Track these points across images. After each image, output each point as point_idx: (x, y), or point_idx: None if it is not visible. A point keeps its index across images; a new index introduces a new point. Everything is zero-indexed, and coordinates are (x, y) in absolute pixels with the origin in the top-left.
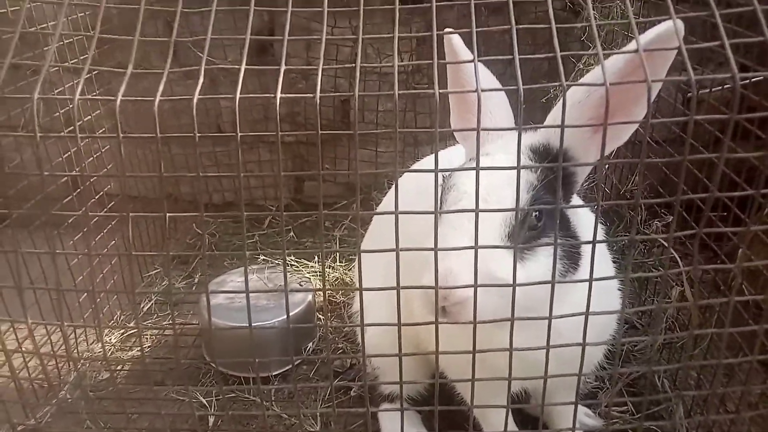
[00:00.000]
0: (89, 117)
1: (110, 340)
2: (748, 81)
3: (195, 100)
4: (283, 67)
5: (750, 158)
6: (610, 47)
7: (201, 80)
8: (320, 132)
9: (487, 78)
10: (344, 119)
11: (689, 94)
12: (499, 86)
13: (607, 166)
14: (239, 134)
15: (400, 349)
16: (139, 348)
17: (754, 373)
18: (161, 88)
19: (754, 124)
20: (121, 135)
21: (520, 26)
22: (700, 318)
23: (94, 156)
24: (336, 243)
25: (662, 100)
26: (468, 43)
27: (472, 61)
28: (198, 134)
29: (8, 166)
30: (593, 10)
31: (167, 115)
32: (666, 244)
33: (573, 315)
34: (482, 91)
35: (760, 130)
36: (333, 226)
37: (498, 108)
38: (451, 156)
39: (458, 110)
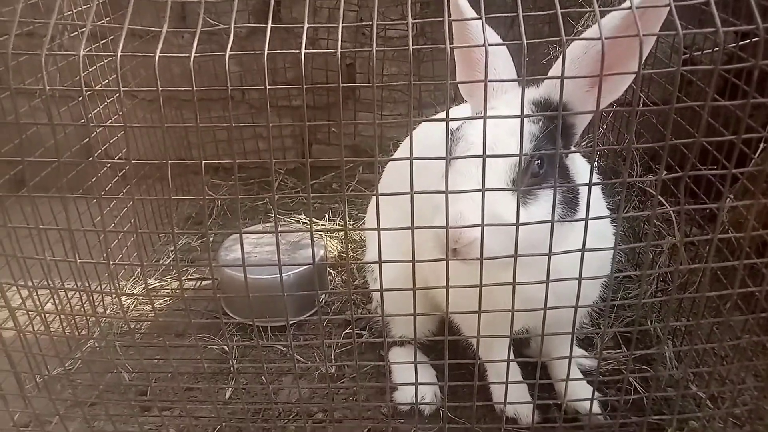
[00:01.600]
0: (102, 84)
1: (135, 291)
2: (735, 43)
3: (192, 58)
4: (306, 26)
5: (737, 112)
6: (609, 5)
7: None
8: (341, 85)
9: (492, 36)
10: (349, 82)
11: (685, 55)
12: (504, 46)
13: (605, 125)
14: (267, 88)
15: (414, 284)
16: (159, 302)
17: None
18: (160, 44)
19: (742, 79)
20: (122, 89)
21: None
22: (689, 263)
23: (109, 122)
24: (345, 203)
25: (659, 62)
26: (473, 4)
27: (479, 18)
28: (196, 88)
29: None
30: None
31: (179, 81)
32: (654, 192)
33: (570, 252)
34: (489, 45)
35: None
36: (340, 188)
37: (502, 66)
38: (458, 114)
39: (464, 68)
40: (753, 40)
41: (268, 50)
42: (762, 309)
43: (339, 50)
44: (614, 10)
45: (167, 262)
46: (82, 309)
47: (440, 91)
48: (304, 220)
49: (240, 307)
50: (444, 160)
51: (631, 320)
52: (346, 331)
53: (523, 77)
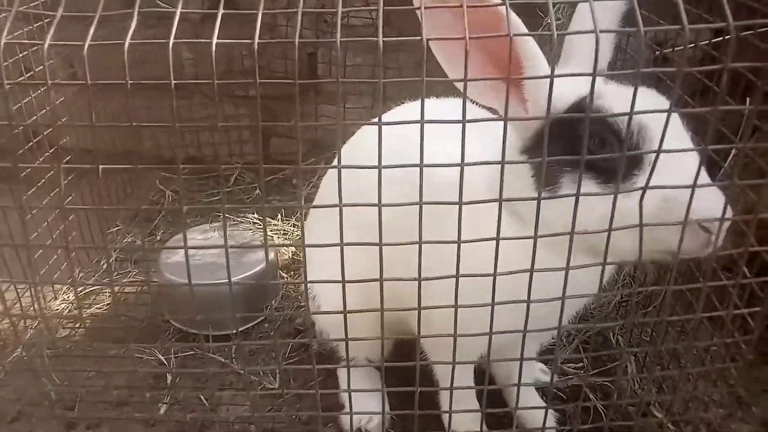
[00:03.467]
0: (42, 66)
1: (68, 297)
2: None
3: (171, 44)
4: (261, 12)
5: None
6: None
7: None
8: (298, 81)
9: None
10: (311, 73)
11: (657, 53)
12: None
13: None
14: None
15: (344, 306)
16: (98, 306)
17: (703, 330)
18: (131, 32)
19: (714, 79)
20: (90, 82)
21: None
22: (654, 276)
23: (48, 108)
24: (302, 200)
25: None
26: None
27: (503, 3)
28: (174, 81)
29: None
30: None
31: (130, 68)
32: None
33: (519, 272)
34: (514, 35)
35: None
36: (301, 183)
37: None
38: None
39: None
40: (725, 37)
41: (218, 39)
42: (728, 332)
43: (297, 39)
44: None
45: (112, 262)
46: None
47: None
48: (256, 220)
49: (182, 313)
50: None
51: (592, 335)
52: (294, 341)
53: (552, 74)
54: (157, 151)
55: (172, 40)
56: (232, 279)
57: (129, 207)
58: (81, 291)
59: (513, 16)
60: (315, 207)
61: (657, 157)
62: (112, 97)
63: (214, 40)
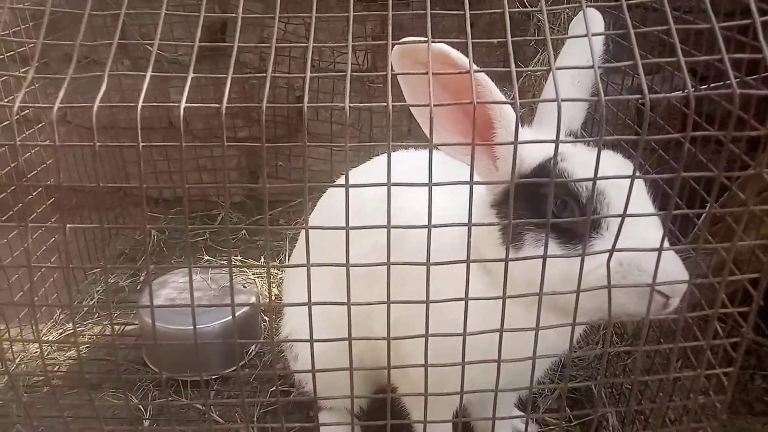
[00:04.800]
0: (32, 108)
1: (47, 338)
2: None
3: (139, 107)
4: (230, 76)
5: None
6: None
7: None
8: (265, 144)
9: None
10: (299, 115)
11: (640, 101)
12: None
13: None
14: (183, 144)
15: (313, 366)
16: (75, 349)
17: (679, 388)
18: (100, 94)
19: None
20: (97, 144)
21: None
22: (633, 328)
23: (32, 151)
24: (287, 242)
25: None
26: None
27: (468, 72)
28: (184, 144)
29: None
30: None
31: (117, 109)
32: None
33: (488, 331)
34: (477, 102)
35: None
36: (287, 223)
37: None
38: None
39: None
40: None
41: (192, 90)
42: (704, 390)
43: (264, 104)
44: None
45: (94, 303)
46: None
47: (394, 126)
48: (238, 262)
49: (160, 358)
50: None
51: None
52: (273, 389)
53: (516, 101)
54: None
55: (140, 104)
56: (214, 323)
57: (95, 267)
58: (46, 344)
59: (484, 80)
60: (285, 267)
61: (622, 222)
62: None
63: (183, 104)
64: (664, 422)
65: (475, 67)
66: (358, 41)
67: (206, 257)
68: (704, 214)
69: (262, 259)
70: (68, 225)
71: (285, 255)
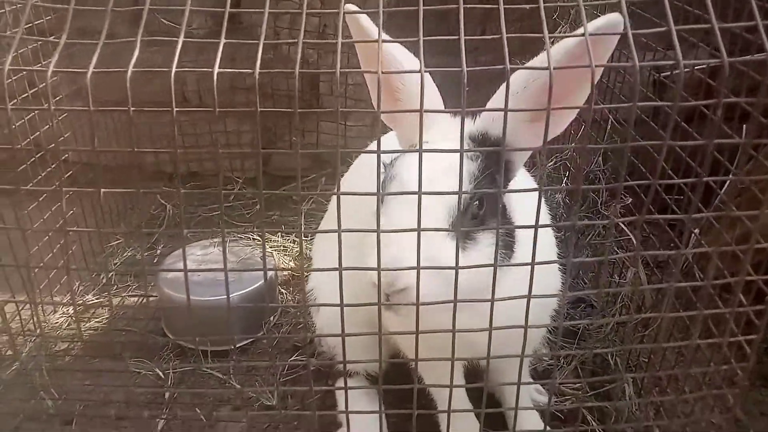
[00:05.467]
0: (50, 81)
1: (68, 311)
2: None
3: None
4: (262, 43)
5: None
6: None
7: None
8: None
9: (408, 58)
10: (313, 90)
11: (656, 77)
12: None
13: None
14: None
15: (342, 330)
16: (97, 320)
17: (701, 354)
18: (94, 60)
19: (710, 108)
20: (131, 108)
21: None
22: (652, 300)
23: (53, 122)
24: (302, 217)
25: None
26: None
27: (416, 39)
28: (219, 109)
29: None
30: None
31: (135, 83)
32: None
33: (514, 298)
34: (425, 70)
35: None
36: (300, 199)
37: (429, 95)
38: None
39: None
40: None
41: (222, 61)
42: (725, 358)
43: (297, 69)
44: (564, 36)
45: (112, 276)
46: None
47: None
48: (254, 236)
49: (180, 328)
50: (377, 199)
51: (586, 359)
52: (293, 358)
53: (463, 108)
54: (158, 166)
55: (174, 69)
56: (234, 294)
57: (124, 231)
58: (80, 306)
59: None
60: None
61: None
62: (114, 113)
63: (216, 70)
64: (683, 392)
65: (385, 36)
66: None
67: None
68: (727, 183)
69: (279, 233)
70: (103, 189)
71: (300, 229)
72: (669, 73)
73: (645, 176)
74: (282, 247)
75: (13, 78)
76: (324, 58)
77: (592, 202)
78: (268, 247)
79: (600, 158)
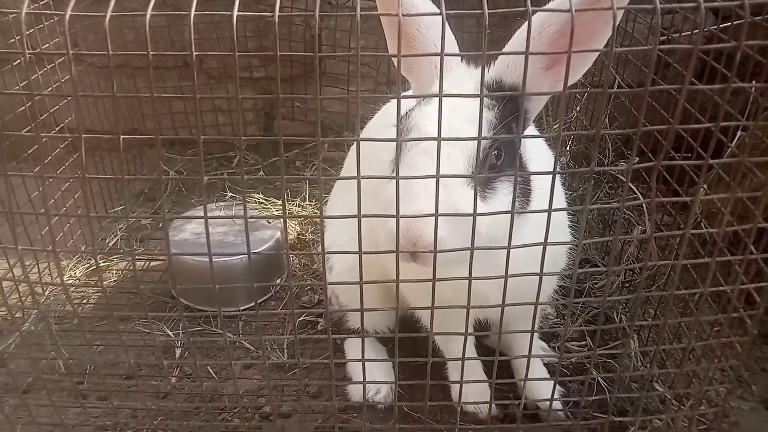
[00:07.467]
0: (47, 45)
1: (75, 273)
2: (715, 25)
3: (148, 18)
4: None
5: (714, 97)
6: None
7: None
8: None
9: (426, 4)
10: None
11: (663, 37)
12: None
13: (578, 108)
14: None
15: (360, 277)
16: (106, 281)
17: (706, 310)
18: (111, 4)
19: (722, 63)
20: (71, 52)
21: None
22: (659, 254)
23: (54, 86)
24: (306, 183)
25: (636, 43)
26: None
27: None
28: (195, 52)
29: None
30: None
31: (132, 46)
32: (625, 179)
33: (530, 245)
34: (446, 13)
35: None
36: (304, 165)
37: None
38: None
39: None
40: (735, 22)
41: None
42: (733, 308)
43: (317, 12)
44: None
45: (117, 240)
46: (17, 290)
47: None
48: (261, 200)
49: (189, 291)
50: (397, 144)
51: (596, 314)
52: (301, 319)
53: (484, 51)
54: (159, 132)
55: (193, 13)
56: (242, 256)
57: (147, 176)
58: (100, 258)
59: None
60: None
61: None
62: (115, 76)
63: (234, 13)
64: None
65: None
66: None
67: (230, 194)
68: (738, 135)
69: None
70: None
71: (306, 195)
72: (678, 34)
73: (651, 135)
74: (288, 212)
75: (16, 38)
76: (326, 21)
77: (599, 165)
78: (274, 210)
79: (606, 120)
